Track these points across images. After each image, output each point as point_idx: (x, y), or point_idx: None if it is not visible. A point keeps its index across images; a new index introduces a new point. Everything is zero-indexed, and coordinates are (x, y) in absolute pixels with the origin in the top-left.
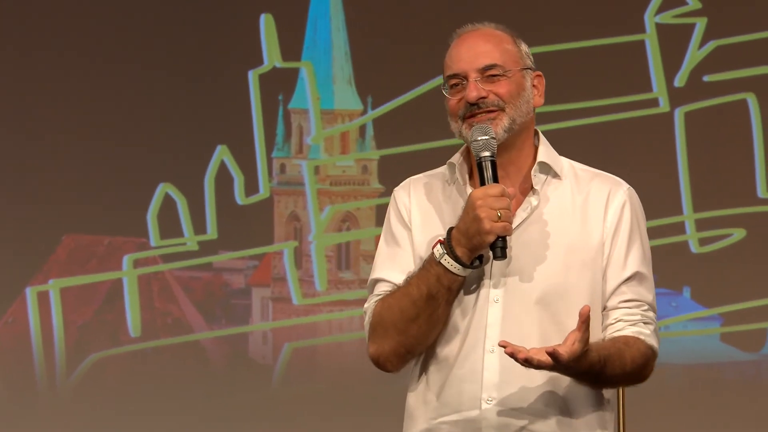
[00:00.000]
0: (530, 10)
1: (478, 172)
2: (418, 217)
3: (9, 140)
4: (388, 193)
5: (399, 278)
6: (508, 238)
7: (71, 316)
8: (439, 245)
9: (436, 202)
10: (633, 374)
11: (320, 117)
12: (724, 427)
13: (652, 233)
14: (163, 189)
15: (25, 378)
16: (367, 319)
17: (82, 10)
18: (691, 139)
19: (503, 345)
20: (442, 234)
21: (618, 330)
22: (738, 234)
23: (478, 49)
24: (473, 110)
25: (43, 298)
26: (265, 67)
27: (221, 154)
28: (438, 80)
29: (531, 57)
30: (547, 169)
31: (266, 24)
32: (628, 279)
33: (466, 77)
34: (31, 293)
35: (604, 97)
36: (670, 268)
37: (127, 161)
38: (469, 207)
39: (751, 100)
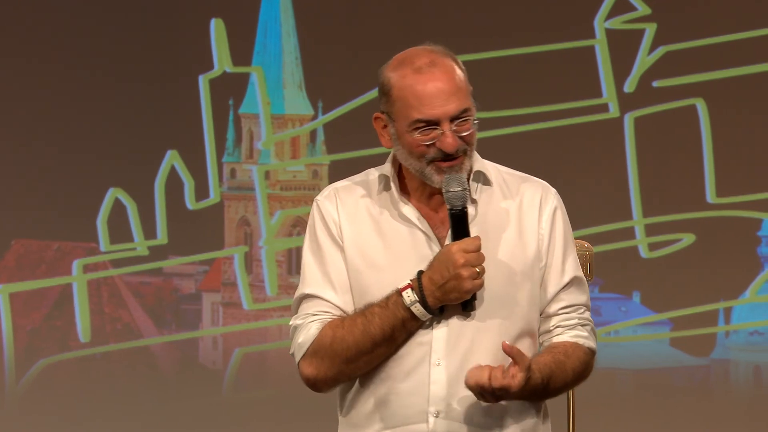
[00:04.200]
0: (481, 15)
1: (450, 222)
2: (350, 232)
3: None
4: None
5: (333, 296)
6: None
7: (20, 321)
8: (410, 291)
9: (366, 215)
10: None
11: (271, 122)
12: (674, 431)
13: (603, 238)
14: (113, 194)
15: None
16: (304, 338)
17: (29, 15)
18: (641, 145)
19: (506, 349)
20: (375, 248)
21: (556, 335)
22: (687, 239)
23: (447, 91)
24: (443, 156)
25: None
26: (216, 71)
27: (171, 158)
28: None
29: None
30: (479, 176)
31: (217, 29)
32: (567, 285)
33: (438, 124)
34: None
35: (554, 103)
36: (619, 273)
37: (76, 166)
38: (449, 263)
39: (701, 106)
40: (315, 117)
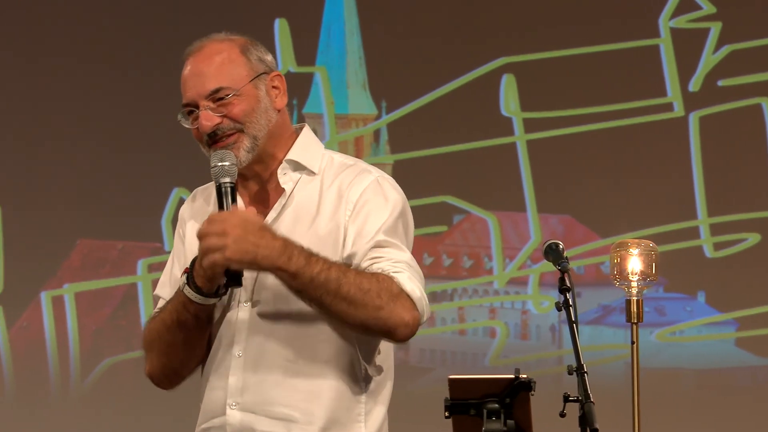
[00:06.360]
0: (545, 13)
1: (217, 198)
2: (190, 230)
3: (23, 145)
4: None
5: (169, 294)
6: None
7: (85, 320)
8: (183, 275)
9: (203, 214)
10: (372, 299)
11: (334, 122)
12: (738, 431)
13: (667, 238)
14: (177, 194)
15: (39, 382)
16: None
17: (95, 16)
18: (706, 144)
19: None
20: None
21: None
22: (753, 239)
23: (201, 73)
24: (213, 137)
25: (58, 303)
26: (280, 71)
27: None
28: (452, 85)
29: (266, 60)
30: (301, 167)
31: (280, 29)
32: (374, 247)
33: (196, 106)
34: (46, 298)
35: (618, 102)
36: (684, 272)
37: (141, 166)
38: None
39: (766, 105)
40: (378, 117)
